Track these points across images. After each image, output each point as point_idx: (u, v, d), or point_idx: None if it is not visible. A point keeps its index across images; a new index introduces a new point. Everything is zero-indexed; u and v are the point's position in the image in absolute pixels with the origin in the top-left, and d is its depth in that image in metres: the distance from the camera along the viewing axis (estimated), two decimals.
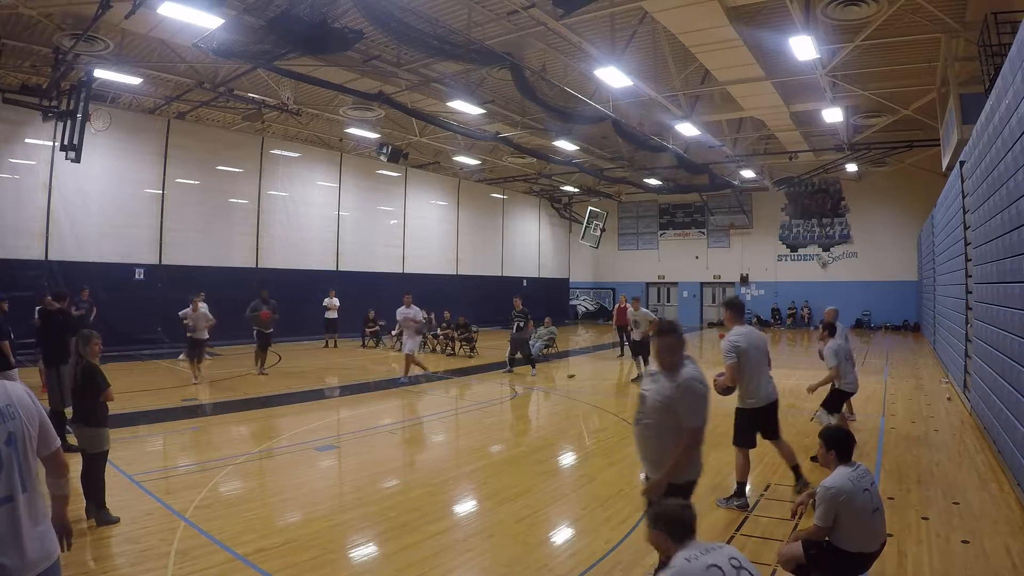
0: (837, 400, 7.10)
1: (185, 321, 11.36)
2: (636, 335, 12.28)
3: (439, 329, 17.51)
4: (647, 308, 12.63)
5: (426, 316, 12.99)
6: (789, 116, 16.31)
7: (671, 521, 2.54)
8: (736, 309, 5.38)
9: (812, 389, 7.16)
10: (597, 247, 28.95)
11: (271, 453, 6.95)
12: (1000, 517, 4.87)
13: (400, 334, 17.81)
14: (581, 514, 5.09)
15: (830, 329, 7.34)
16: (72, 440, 5.22)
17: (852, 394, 7.18)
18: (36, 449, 2.19)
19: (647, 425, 3.44)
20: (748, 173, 23.58)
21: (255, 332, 12.83)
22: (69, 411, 5.24)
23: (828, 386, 7.06)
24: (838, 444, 3.52)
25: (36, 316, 7.59)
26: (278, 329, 17.18)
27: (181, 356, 13.27)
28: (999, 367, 6.49)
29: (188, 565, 3.96)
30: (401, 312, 12.10)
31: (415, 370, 12.13)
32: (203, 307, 11.53)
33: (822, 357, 7.25)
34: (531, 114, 16.55)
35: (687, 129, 16.61)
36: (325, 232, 21.15)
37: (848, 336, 7.85)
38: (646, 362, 12.17)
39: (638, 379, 12.09)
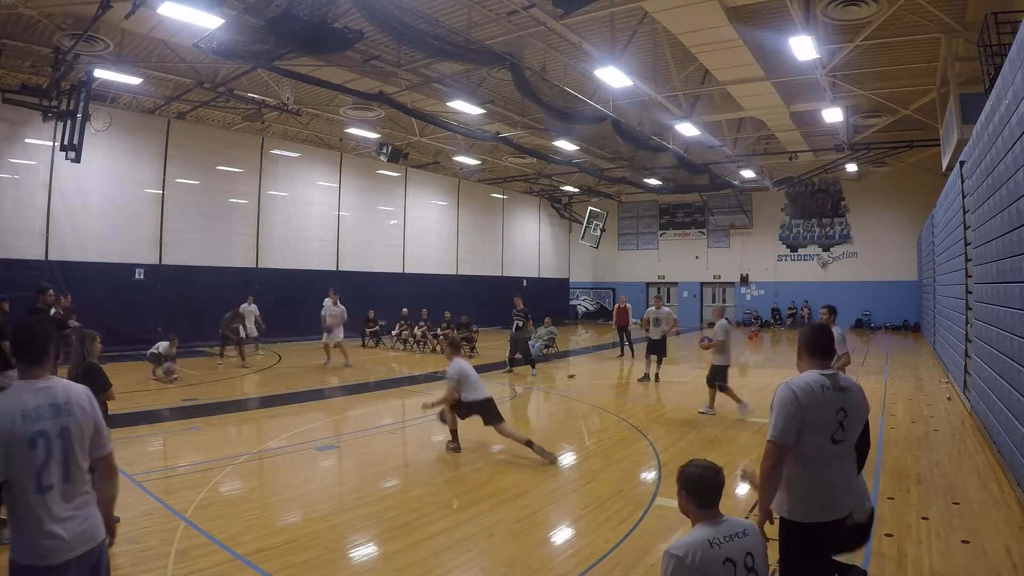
0: None
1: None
2: (655, 334, 11.91)
3: (439, 329, 17.49)
4: (653, 307, 12.40)
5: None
6: (789, 116, 16.31)
7: (693, 483, 2.37)
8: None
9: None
10: (597, 247, 28.95)
11: (271, 453, 6.95)
12: (1000, 517, 4.87)
13: (400, 333, 17.93)
14: (581, 514, 5.09)
15: (835, 312, 7.19)
16: None
17: None
18: (89, 449, 2.37)
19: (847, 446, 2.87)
20: (748, 173, 23.58)
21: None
22: None
23: None
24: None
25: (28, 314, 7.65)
26: (278, 328, 17.23)
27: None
28: (999, 367, 6.49)
29: (188, 565, 3.96)
30: (330, 308, 13.84)
31: (343, 358, 13.91)
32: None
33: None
34: (531, 114, 16.54)
35: (687, 129, 16.61)
36: (325, 232, 21.15)
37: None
38: (659, 363, 12.12)
39: (645, 378, 12.07)
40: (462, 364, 6.94)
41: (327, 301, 13.96)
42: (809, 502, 2.77)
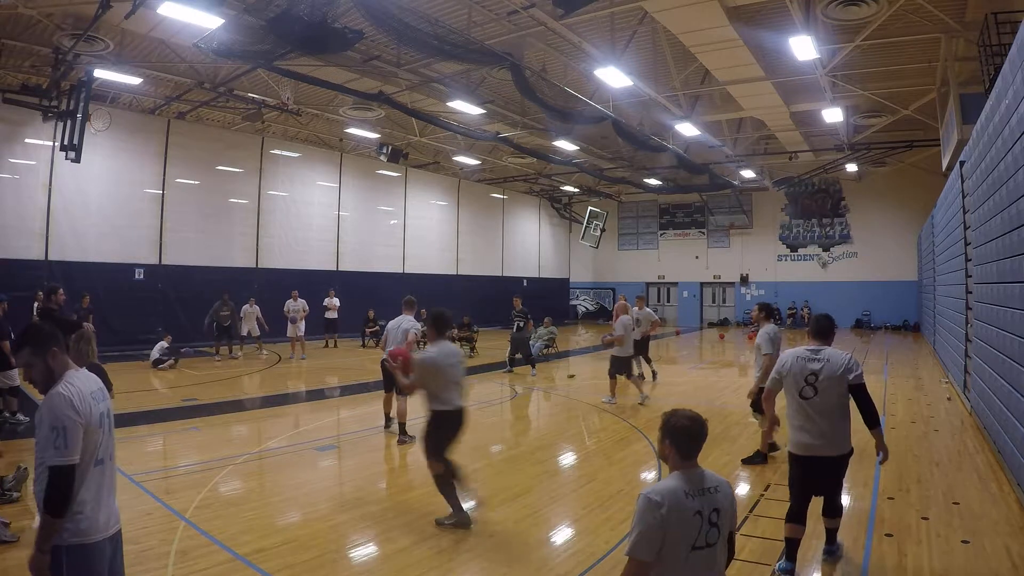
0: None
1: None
2: (636, 334, 12.06)
3: None
4: (649, 308, 12.49)
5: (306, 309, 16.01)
6: (789, 116, 16.30)
7: (677, 432, 2.42)
8: None
9: (753, 394, 6.53)
10: (597, 247, 28.95)
11: (271, 453, 6.95)
12: (1000, 517, 4.87)
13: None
14: (581, 514, 5.09)
15: (767, 311, 6.69)
16: None
17: None
18: None
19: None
20: (748, 173, 23.58)
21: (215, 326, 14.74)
22: None
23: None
24: None
25: (36, 315, 7.59)
26: (278, 328, 17.22)
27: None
28: (999, 367, 6.49)
29: (188, 565, 3.96)
30: (291, 304, 15.57)
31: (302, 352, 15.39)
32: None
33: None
34: (531, 114, 16.54)
35: (687, 129, 16.61)
36: (325, 232, 21.15)
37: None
38: (648, 360, 12.17)
39: (640, 377, 12.06)
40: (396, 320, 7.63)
41: (288, 301, 15.72)
42: (792, 440, 3.95)
